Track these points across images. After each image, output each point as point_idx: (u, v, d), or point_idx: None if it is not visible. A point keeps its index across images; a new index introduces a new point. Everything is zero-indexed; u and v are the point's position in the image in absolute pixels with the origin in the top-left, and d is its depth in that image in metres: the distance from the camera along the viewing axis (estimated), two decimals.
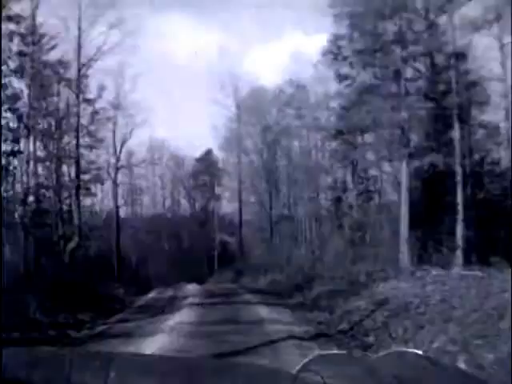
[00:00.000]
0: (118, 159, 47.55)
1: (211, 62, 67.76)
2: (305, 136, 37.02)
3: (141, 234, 54.36)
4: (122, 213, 54.38)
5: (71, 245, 22.22)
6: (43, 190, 22.94)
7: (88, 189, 31.84)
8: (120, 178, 51.63)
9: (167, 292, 29.72)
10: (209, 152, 65.45)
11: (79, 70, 24.74)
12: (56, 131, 24.36)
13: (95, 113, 26.37)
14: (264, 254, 34.33)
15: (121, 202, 50.56)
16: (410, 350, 2.58)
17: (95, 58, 25.54)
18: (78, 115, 24.43)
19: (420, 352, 2.46)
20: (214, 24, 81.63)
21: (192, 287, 31.88)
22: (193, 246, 54.05)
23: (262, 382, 1.87)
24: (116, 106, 47.23)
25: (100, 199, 51.71)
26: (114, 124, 47.35)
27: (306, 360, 2.08)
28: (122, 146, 48.49)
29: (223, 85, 40.88)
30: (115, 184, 47.01)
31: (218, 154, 59.26)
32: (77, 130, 24.56)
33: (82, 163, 27.63)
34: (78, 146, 25.02)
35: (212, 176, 64.33)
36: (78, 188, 23.80)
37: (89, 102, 25.91)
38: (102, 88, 27.23)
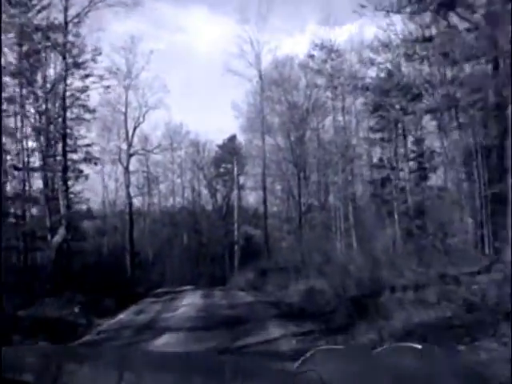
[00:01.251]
0: (130, 144, 43.25)
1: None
2: (338, 110, 32.04)
3: (157, 227, 49.97)
4: (137, 204, 50.32)
5: (56, 239, 17.77)
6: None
7: (80, 171, 27.34)
8: (134, 165, 47.70)
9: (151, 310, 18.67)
10: (232, 138, 60.91)
11: (66, 24, 20.08)
12: (42, 103, 19.85)
13: (86, 76, 21.64)
14: (292, 248, 29.46)
15: (136, 191, 46.31)
16: (409, 344, 2.49)
17: (86, 11, 20.96)
18: (64, 79, 19.76)
19: (419, 346, 2.41)
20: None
21: (191, 300, 21.19)
22: (213, 240, 49.28)
23: (264, 377, 2.06)
24: (127, 86, 43.24)
25: (114, 189, 47.57)
26: (126, 105, 43.45)
27: (307, 355, 2.18)
28: (134, 130, 44.30)
29: (243, 52, 35.75)
30: (127, 171, 42.66)
31: (240, 137, 54.64)
32: (63, 98, 19.91)
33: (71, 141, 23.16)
34: (64, 117, 20.32)
35: (235, 164, 59.81)
36: (64, 169, 19.23)
37: (78, 65, 21.28)
38: (96, 50, 22.53)
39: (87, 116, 26.11)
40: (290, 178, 32.26)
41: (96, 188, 47.44)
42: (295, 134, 33.87)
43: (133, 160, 46.24)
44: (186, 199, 52.53)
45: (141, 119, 43.51)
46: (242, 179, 60.27)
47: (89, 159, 27.45)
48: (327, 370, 1.83)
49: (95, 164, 29.25)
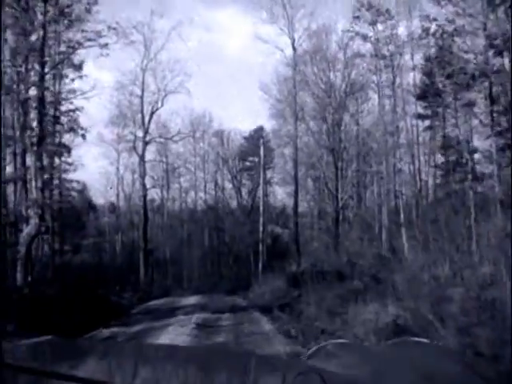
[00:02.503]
0: (146, 131, 39.15)
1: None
2: (384, 87, 27.37)
3: (176, 224, 45.80)
4: (156, 198, 46.19)
5: (27, 232, 13.58)
6: None
7: (65, 146, 23.03)
8: (152, 156, 43.51)
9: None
10: (259, 129, 56.47)
11: None
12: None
13: (70, 22, 17.21)
14: (328, 250, 24.82)
15: (152, 183, 42.19)
16: (419, 339, 2.78)
17: None
18: (43, 27, 15.36)
19: (427, 341, 2.68)
20: None
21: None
22: (236, 239, 44.77)
23: (269, 370, 1.97)
24: (144, 67, 39.12)
25: (130, 182, 43.42)
26: (142, 88, 39.37)
27: (314, 349, 2.33)
28: (151, 116, 40.24)
29: (273, 16, 31.03)
30: (143, 161, 38.56)
31: (268, 125, 50.16)
32: (41, 49, 15.52)
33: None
34: (43, 75, 15.89)
35: (262, 156, 55.28)
36: (40, 141, 14.91)
37: (64, 14, 16.86)
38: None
39: (72, 75, 21.59)
40: (326, 168, 27.61)
41: (112, 180, 43.74)
42: (332, 117, 29.22)
43: (151, 150, 42.26)
44: (209, 194, 48.03)
45: (159, 104, 39.48)
46: (269, 174, 56.00)
47: (73, 129, 23.20)
48: (335, 364, 1.84)
49: (82, 137, 24.79)
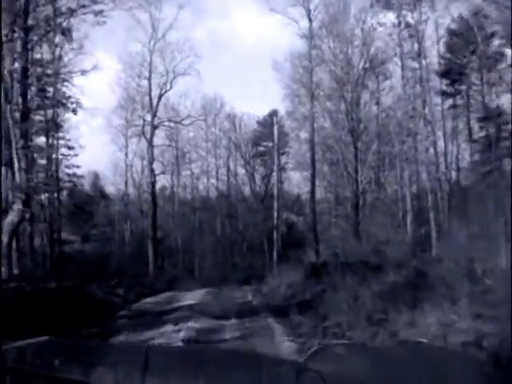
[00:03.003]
0: (154, 114, 37.39)
1: None
2: (407, 60, 25.21)
3: (187, 211, 44.12)
4: (166, 185, 44.51)
5: (10, 219, 11.88)
6: None
7: (56, 123, 21.07)
8: (162, 141, 41.69)
9: None
10: (273, 113, 54.41)
11: None
12: None
13: None
14: (347, 238, 22.93)
15: (162, 169, 40.42)
16: (418, 339, 2.87)
17: None
18: None
19: (426, 341, 2.76)
20: None
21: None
22: (250, 227, 43.05)
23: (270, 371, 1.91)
24: (152, 48, 37.29)
25: (140, 169, 41.63)
26: (150, 69, 37.54)
27: (312, 350, 2.27)
28: (159, 99, 38.46)
29: None
30: (151, 145, 36.86)
31: (282, 108, 48.04)
32: (25, 12, 13.63)
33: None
34: (25, 39, 14.00)
35: (275, 141, 53.27)
36: (23, 116, 13.08)
37: None
38: None
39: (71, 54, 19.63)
40: (344, 149, 25.60)
41: (121, 167, 42.08)
42: (350, 95, 27.19)
43: (160, 136, 40.55)
44: (221, 180, 46.15)
45: (167, 86, 37.70)
46: (283, 159, 54.04)
47: (62, 103, 21.29)
48: (336, 365, 1.83)
49: (73, 112, 22.78)
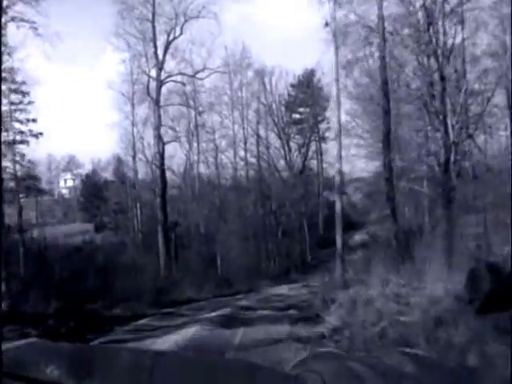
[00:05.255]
0: (160, 67, 29.60)
1: None
2: None
3: (209, 191, 36.25)
4: (180, 161, 36.64)
5: None
6: None
7: None
8: (175, 108, 33.84)
9: None
10: (310, 73, 46.07)
11: None
12: None
13: None
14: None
15: (175, 137, 32.55)
16: (408, 349, 2.54)
17: None
18: None
19: (418, 351, 2.57)
20: None
21: None
22: (285, 207, 34.93)
23: (262, 379, 1.93)
24: None
25: (147, 145, 33.72)
26: (153, 10, 29.64)
27: (302, 357, 2.26)
28: (167, 47, 30.62)
29: None
30: (157, 106, 29.08)
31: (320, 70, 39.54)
32: None
33: None
34: None
35: (314, 107, 45.03)
36: None
37: None
38: None
39: None
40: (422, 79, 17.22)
41: (129, 139, 34.45)
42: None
43: (174, 99, 32.74)
44: (250, 152, 37.85)
45: (177, 31, 29.77)
46: (323, 128, 45.67)
47: None
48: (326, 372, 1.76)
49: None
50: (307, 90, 44.81)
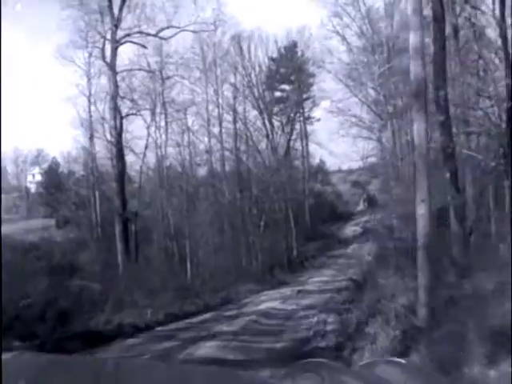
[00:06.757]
0: (116, 24, 24.31)
1: None
2: None
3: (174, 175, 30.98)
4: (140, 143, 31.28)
5: None
6: None
7: None
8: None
9: None
10: (293, 45, 41.13)
11: None
12: None
13: None
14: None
15: (137, 109, 27.20)
16: (395, 358, 2.41)
17: None
18: None
19: (403, 361, 2.32)
20: None
21: None
22: (267, 195, 30.00)
23: None
24: None
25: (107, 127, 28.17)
26: None
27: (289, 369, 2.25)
28: (123, 1, 25.19)
29: None
30: (113, 72, 23.84)
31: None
32: None
33: None
34: None
35: (298, 83, 40.11)
36: None
37: None
38: None
39: None
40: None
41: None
42: None
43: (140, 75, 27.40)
44: (226, 131, 32.28)
45: None
46: (307, 107, 40.82)
47: None
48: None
49: None
50: (289, 63, 40.03)
